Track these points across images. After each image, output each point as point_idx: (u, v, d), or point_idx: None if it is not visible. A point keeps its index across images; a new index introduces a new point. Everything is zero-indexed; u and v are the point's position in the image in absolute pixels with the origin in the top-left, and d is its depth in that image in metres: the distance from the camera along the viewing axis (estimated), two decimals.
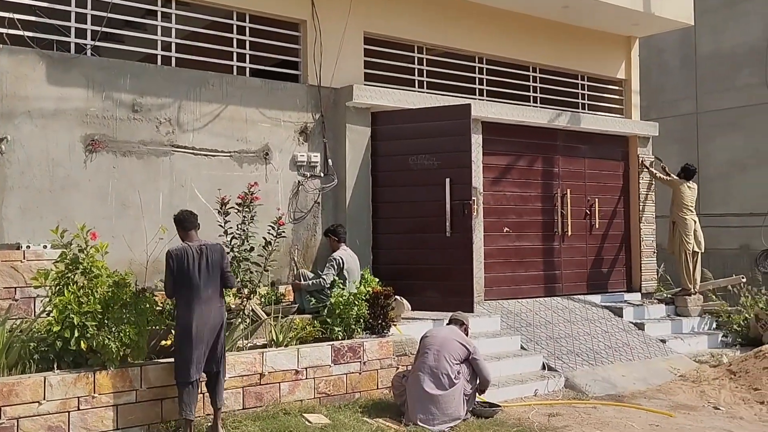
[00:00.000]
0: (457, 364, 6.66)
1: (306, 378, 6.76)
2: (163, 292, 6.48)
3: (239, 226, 6.85)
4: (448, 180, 8.66)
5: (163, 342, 6.38)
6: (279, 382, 6.61)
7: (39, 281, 5.85)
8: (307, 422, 6.26)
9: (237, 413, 6.33)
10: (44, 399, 5.48)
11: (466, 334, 7.05)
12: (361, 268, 8.17)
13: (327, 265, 7.83)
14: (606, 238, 11.41)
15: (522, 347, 8.77)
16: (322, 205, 8.82)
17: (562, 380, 8.24)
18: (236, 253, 6.77)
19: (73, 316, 5.65)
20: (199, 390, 5.97)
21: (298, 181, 8.65)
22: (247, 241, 6.94)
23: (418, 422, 6.38)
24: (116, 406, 5.78)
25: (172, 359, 6.07)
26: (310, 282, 7.75)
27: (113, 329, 5.78)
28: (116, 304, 5.86)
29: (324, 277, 7.71)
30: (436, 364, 6.56)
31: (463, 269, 8.59)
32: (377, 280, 8.14)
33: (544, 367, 8.46)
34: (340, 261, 7.83)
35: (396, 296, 7.91)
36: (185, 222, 6.16)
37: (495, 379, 7.77)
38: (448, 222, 8.64)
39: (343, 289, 7.50)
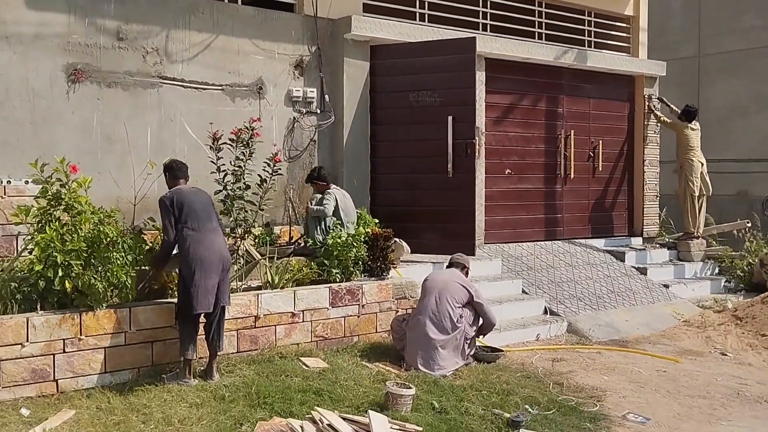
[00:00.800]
0: (459, 307, 6.41)
1: (303, 321, 6.50)
2: (152, 232, 6.18)
3: (233, 163, 6.47)
4: (450, 118, 8.28)
5: (153, 283, 6.08)
6: (275, 325, 6.35)
7: (19, 218, 5.50)
8: (304, 366, 6.03)
9: (231, 356, 6.08)
10: (27, 341, 5.19)
11: (467, 276, 6.79)
12: (358, 209, 7.84)
13: (325, 198, 7.42)
14: (609, 182, 11.12)
15: (523, 291, 8.55)
16: (319, 143, 8.45)
17: (565, 325, 8.03)
18: (229, 191, 6.42)
19: (56, 254, 5.32)
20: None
21: (294, 118, 8.26)
22: (243, 179, 6.58)
23: (420, 367, 6.15)
24: (104, 349, 5.51)
25: (162, 300, 5.79)
26: (315, 207, 7.39)
27: (99, 269, 5.47)
28: (102, 243, 5.53)
29: (326, 205, 7.31)
30: (438, 307, 6.31)
31: (465, 211, 8.29)
32: (376, 221, 7.84)
33: (546, 312, 8.25)
34: (335, 197, 7.43)
35: (395, 238, 7.61)
36: (176, 171, 5.86)
37: (497, 323, 7.56)
38: (449, 162, 8.30)
39: (341, 230, 7.19)
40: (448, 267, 6.93)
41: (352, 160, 8.50)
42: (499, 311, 7.75)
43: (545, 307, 8.29)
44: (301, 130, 8.31)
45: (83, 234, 5.48)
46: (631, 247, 10.71)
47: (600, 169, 10.90)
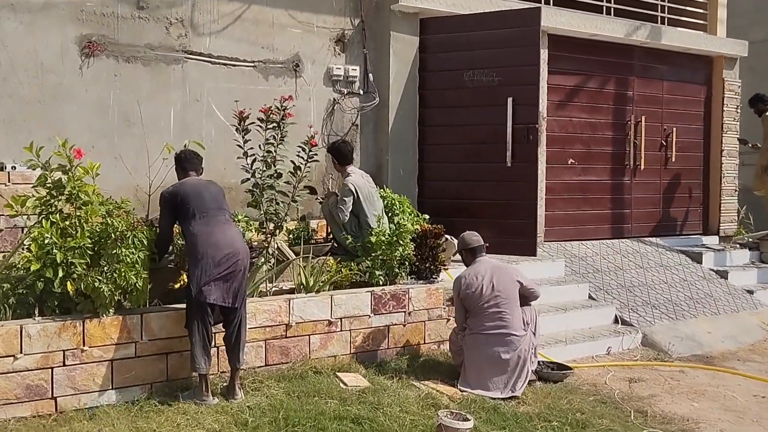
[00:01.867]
0: (519, 308, 5.50)
1: (341, 330, 5.66)
2: None
3: (263, 147, 5.63)
4: (510, 100, 7.34)
5: (170, 284, 5.31)
6: (309, 335, 5.53)
7: (14, 209, 4.75)
8: (341, 384, 5.19)
9: (258, 371, 5.27)
10: (21, 352, 4.45)
11: None
12: (407, 201, 6.96)
13: (341, 197, 6.41)
14: (682, 174, 10.01)
15: (590, 297, 7.56)
16: (361, 127, 7.59)
17: (639, 336, 7.04)
18: (258, 180, 5.59)
19: (55, 251, 4.57)
20: (214, 343, 4.91)
21: (334, 99, 7.41)
22: (274, 166, 5.74)
23: (480, 390, 5.25)
24: (111, 362, 4.74)
25: (180, 306, 5.01)
26: (330, 208, 6.47)
27: (105, 269, 4.70)
28: (110, 238, 4.76)
29: (340, 208, 6.31)
30: (503, 323, 5.37)
31: (526, 205, 7.35)
32: (425, 217, 6.96)
33: (616, 321, 7.26)
34: (354, 189, 6.35)
35: (446, 235, 6.72)
36: (185, 162, 5.17)
37: (561, 335, 6.67)
38: (508, 150, 7.36)
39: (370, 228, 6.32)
40: (470, 255, 5.76)
41: (398, 147, 7.63)
42: (564, 320, 6.87)
43: (616, 316, 7.30)
44: (342, 112, 7.46)
45: (88, 228, 4.73)
46: (707, 248, 9.61)
47: (673, 159, 9.81)
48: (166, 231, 4.98)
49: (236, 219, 6.12)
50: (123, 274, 4.71)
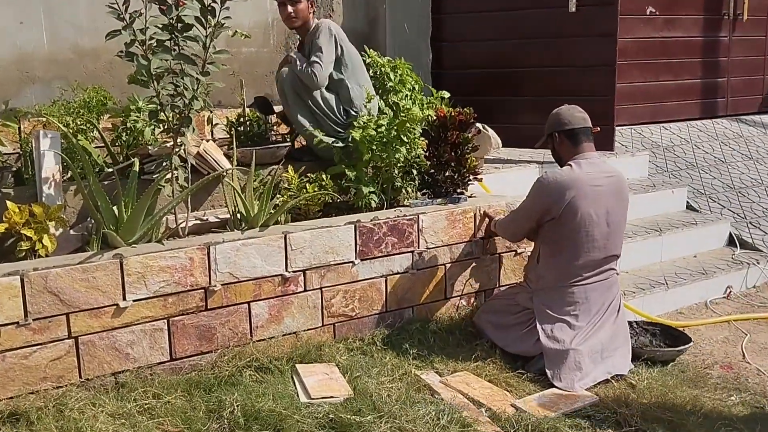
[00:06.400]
0: None
1: (304, 290, 3.37)
2: None
3: None
4: None
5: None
6: (248, 302, 3.24)
7: None
8: (300, 394, 2.94)
9: (157, 371, 3.03)
10: None
11: None
12: (417, 73, 4.51)
13: (318, 40, 3.89)
14: None
15: (689, 207, 5.18)
16: None
17: None
18: (137, 34, 3.09)
19: None
20: None
21: None
22: (175, 9, 3.22)
23: (568, 383, 3.11)
24: None
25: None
26: (298, 66, 3.92)
27: None
28: None
29: (317, 61, 3.84)
30: (610, 266, 3.31)
31: (601, 74, 4.86)
32: (444, 95, 4.53)
33: (732, 242, 4.91)
34: (336, 35, 3.92)
35: (477, 124, 4.29)
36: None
37: (657, 271, 4.45)
38: None
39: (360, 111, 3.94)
40: (572, 143, 3.35)
41: None
42: (659, 247, 4.60)
43: (731, 234, 4.94)
44: None
45: None
46: None
47: None
48: None
49: (133, 105, 3.78)
50: None
